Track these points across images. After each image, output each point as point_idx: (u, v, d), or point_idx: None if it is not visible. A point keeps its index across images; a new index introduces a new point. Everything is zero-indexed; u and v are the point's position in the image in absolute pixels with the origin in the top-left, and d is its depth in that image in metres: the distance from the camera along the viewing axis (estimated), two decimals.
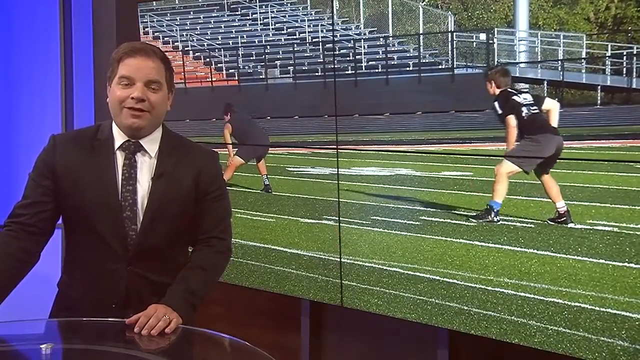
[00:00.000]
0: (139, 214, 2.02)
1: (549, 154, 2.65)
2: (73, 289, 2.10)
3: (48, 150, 2.07)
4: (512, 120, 2.72)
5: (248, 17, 3.72)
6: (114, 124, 2.06)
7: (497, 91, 2.75)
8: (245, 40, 3.73)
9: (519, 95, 2.73)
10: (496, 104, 2.76)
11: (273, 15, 3.60)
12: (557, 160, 2.63)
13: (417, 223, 2.94)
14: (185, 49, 3.92)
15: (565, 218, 2.61)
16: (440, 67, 2.98)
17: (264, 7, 3.64)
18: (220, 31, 3.83)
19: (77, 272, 2.11)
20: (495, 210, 2.73)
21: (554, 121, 2.64)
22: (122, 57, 2.00)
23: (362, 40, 3.23)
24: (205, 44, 3.85)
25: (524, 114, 2.70)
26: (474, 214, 2.81)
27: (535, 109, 2.70)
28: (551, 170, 2.64)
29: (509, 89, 2.74)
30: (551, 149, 2.65)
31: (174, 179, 2.06)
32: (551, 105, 2.66)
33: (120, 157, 2.04)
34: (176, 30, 3.97)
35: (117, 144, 2.05)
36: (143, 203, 2.02)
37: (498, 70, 2.78)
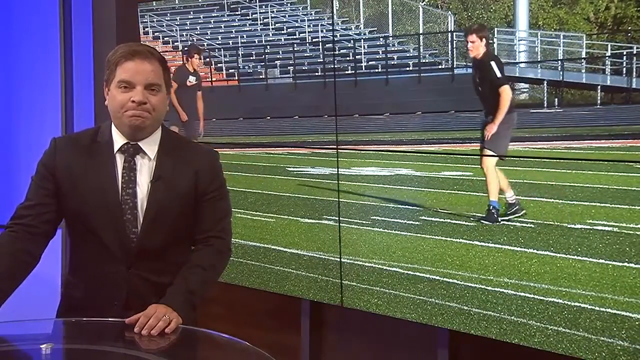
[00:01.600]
0: (139, 217, 2.02)
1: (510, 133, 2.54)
2: (77, 289, 2.10)
3: (48, 153, 2.07)
4: (509, 90, 2.53)
5: (248, 17, 3.72)
6: (113, 126, 2.06)
7: (485, 49, 2.56)
8: (245, 40, 3.73)
9: None
10: (493, 64, 2.55)
11: (273, 15, 3.60)
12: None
13: (417, 223, 2.94)
14: (185, 49, 3.92)
15: (517, 207, 2.59)
16: (440, 67, 2.98)
17: (264, 7, 3.64)
18: (220, 31, 3.83)
19: (79, 273, 2.11)
20: (496, 209, 2.72)
21: None
22: (119, 61, 1.98)
23: (362, 40, 3.23)
24: (205, 44, 3.86)
25: None
26: (477, 215, 2.80)
27: None
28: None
29: None
30: (511, 128, 2.55)
31: (173, 180, 2.05)
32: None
33: (119, 160, 2.04)
34: (176, 30, 3.97)
35: (116, 147, 2.05)
36: (143, 206, 2.02)
37: (483, 25, 2.57)
